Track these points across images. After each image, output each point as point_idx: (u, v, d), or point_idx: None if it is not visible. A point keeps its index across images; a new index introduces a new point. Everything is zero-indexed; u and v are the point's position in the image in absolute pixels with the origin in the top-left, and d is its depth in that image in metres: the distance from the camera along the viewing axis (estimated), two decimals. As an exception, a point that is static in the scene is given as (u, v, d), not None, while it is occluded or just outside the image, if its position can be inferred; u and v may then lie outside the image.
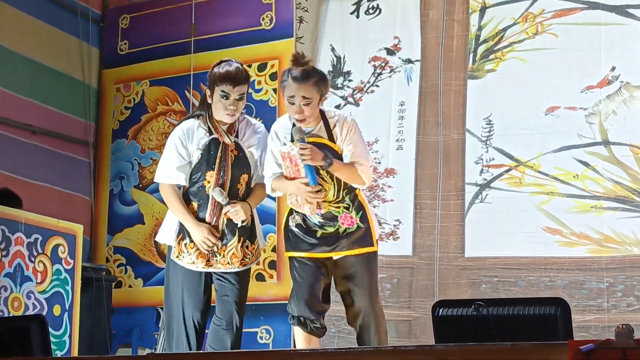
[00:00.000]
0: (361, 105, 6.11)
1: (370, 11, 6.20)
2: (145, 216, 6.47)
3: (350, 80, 6.16)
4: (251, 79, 6.28)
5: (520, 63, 5.64)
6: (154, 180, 4.30)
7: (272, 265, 5.98)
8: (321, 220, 4.01)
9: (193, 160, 4.11)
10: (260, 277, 5.85)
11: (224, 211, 4.08)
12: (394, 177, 5.93)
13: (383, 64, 6.09)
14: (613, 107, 5.43)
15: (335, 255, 4.02)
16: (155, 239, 4.36)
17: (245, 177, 4.17)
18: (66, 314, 4.76)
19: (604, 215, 5.32)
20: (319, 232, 4.02)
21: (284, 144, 3.99)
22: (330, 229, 4.01)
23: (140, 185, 6.53)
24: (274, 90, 6.18)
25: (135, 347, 6.16)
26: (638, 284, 5.11)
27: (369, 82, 6.10)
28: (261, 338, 5.89)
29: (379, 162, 5.95)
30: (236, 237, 4.12)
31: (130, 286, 6.40)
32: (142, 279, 6.39)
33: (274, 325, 5.90)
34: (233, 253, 4.11)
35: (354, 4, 6.24)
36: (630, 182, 5.30)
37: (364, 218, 4.04)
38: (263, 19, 6.28)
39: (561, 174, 5.45)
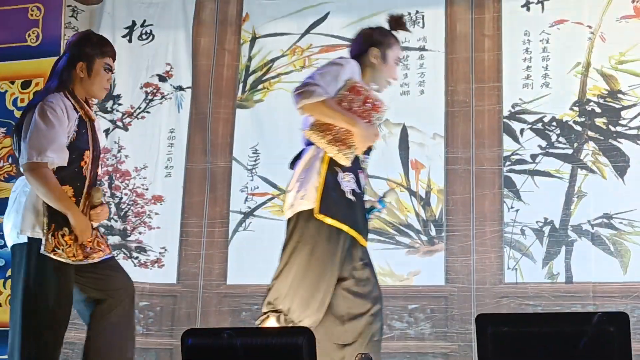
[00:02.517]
0: (130, 130, 6.00)
1: (143, 36, 6.12)
2: None
3: (120, 105, 6.04)
4: (14, 96, 6.07)
5: (287, 94, 5.71)
6: (26, 160, 3.56)
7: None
8: (366, 187, 3.85)
9: (69, 138, 3.66)
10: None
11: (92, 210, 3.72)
12: (161, 204, 5.87)
13: (155, 90, 6.02)
14: (373, 142, 5.62)
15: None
16: (16, 239, 3.64)
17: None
18: None
19: (362, 246, 5.49)
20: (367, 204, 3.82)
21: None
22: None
23: None
24: (38, 109, 5.95)
25: None
26: (391, 313, 5.28)
27: (139, 107, 6.01)
28: None
29: (147, 189, 5.87)
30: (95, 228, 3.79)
31: None
32: None
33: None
34: (98, 241, 3.76)
35: (126, 28, 6.14)
36: (386, 215, 5.49)
37: None
38: (29, 35, 6.06)
39: (322, 204, 5.58)
